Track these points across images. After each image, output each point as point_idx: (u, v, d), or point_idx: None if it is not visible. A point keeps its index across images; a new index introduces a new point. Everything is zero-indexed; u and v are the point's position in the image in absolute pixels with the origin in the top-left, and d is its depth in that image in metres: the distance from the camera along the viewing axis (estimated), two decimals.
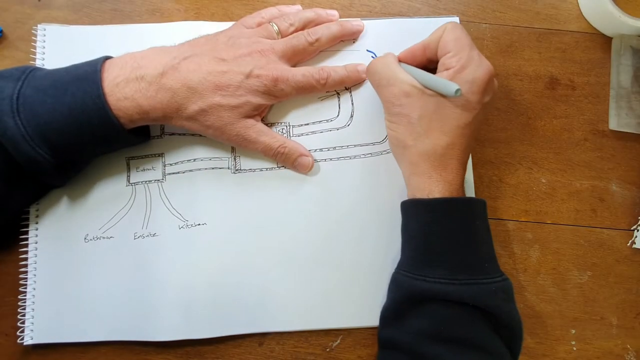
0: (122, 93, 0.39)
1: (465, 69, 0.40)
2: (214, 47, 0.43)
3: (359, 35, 0.49)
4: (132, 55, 0.42)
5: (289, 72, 0.44)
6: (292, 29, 0.46)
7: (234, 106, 0.42)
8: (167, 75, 0.41)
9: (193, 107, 0.41)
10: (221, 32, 0.45)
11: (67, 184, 0.45)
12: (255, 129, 0.44)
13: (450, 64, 0.41)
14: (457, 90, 0.37)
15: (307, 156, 0.46)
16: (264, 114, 0.46)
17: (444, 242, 0.39)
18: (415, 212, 0.41)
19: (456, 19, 0.51)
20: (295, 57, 0.46)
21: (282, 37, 0.46)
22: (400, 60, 0.45)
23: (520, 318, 0.40)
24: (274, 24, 0.46)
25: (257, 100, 0.43)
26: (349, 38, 0.49)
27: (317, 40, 0.46)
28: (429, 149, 0.41)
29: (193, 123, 0.42)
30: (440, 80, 0.39)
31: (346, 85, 0.48)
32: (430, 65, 0.45)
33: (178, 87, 0.41)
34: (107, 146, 0.43)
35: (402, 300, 0.40)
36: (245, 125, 0.43)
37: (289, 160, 0.46)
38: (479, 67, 0.40)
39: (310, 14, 0.48)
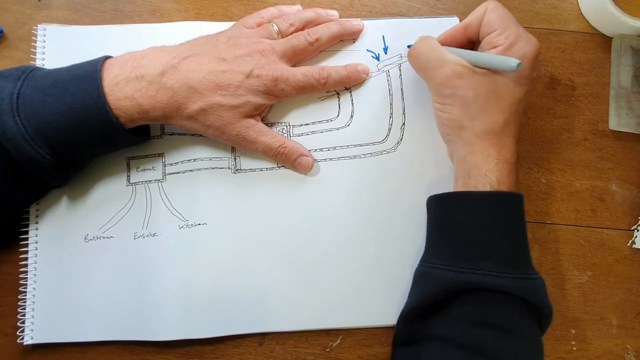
0: (122, 92, 0.39)
1: (514, 45, 0.40)
2: (214, 46, 0.43)
3: (359, 35, 0.49)
4: (132, 55, 0.42)
5: (289, 72, 0.44)
6: (292, 29, 0.46)
7: (234, 106, 0.42)
8: (167, 75, 0.41)
9: (193, 106, 0.41)
10: (221, 32, 0.45)
11: (67, 184, 0.45)
12: (255, 129, 0.44)
13: (497, 41, 0.41)
14: (519, 64, 0.38)
15: (307, 156, 0.46)
16: (264, 113, 0.46)
17: (494, 235, 0.39)
18: (460, 205, 0.41)
19: (456, 19, 0.51)
20: (296, 57, 0.46)
21: (282, 37, 0.46)
22: (439, 42, 0.45)
23: (552, 308, 0.40)
24: (274, 24, 0.46)
25: (257, 100, 0.43)
26: (349, 38, 0.49)
27: (317, 40, 0.46)
28: (487, 127, 0.41)
29: (193, 123, 0.42)
30: (498, 57, 0.40)
31: (346, 85, 0.48)
32: (469, 47, 0.45)
33: (178, 87, 0.41)
34: (107, 146, 0.43)
35: (443, 293, 0.39)
36: (246, 125, 0.43)
37: (289, 160, 0.46)
38: (527, 43, 0.41)
39: (310, 13, 0.48)
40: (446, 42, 0.45)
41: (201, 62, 0.42)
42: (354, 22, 0.49)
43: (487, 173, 0.40)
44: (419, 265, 0.43)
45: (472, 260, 0.39)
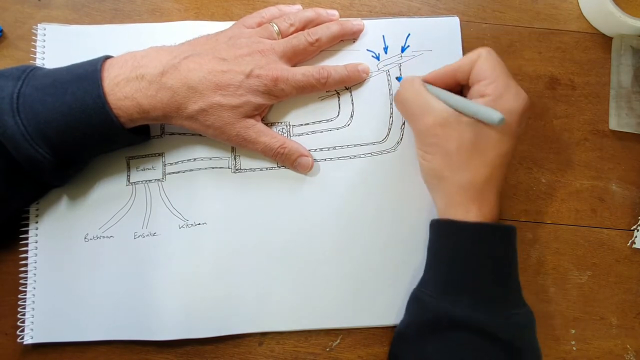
0: (122, 92, 0.39)
1: (502, 97, 0.39)
2: (214, 46, 0.43)
3: (359, 35, 0.49)
4: (133, 55, 0.42)
5: (289, 72, 0.44)
6: (292, 29, 0.46)
7: (235, 106, 0.42)
8: (167, 75, 0.41)
9: (193, 106, 0.41)
10: (221, 32, 0.45)
11: (67, 184, 0.45)
12: (255, 129, 0.44)
13: (486, 91, 0.40)
14: (502, 120, 0.36)
15: (307, 156, 0.46)
16: (264, 114, 0.46)
17: (475, 270, 0.39)
18: (448, 234, 0.41)
19: (456, 19, 0.51)
20: (296, 57, 0.46)
21: (282, 37, 0.46)
22: (427, 82, 0.43)
23: (540, 347, 0.39)
24: (274, 24, 0.46)
25: (257, 100, 0.43)
26: (349, 38, 0.49)
27: (317, 40, 0.46)
28: (468, 181, 0.40)
29: (193, 122, 0.42)
30: (483, 108, 0.38)
31: (346, 84, 0.48)
32: (457, 90, 0.44)
33: (178, 87, 0.41)
34: (107, 145, 0.43)
35: (426, 322, 0.40)
36: (245, 125, 0.43)
37: (288, 160, 0.46)
38: (517, 96, 0.40)
39: (310, 13, 0.48)
40: (435, 82, 0.43)
41: (201, 61, 0.42)
42: (355, 22, 0.49)
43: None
44: (415, 287, 0.43)
45: (455, 293, 0.39)
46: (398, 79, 0.48)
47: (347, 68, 0.47)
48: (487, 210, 0.40)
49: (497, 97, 0.39)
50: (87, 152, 0.42)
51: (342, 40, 0.49)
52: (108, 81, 0.39)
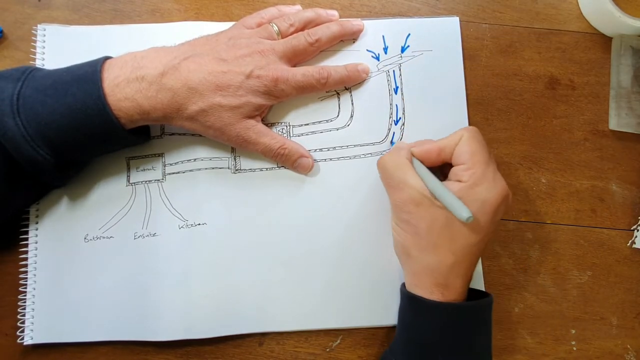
0: (122, 93, 0.39)
1: (478, 186, 0.38)
2: (214, 47, 0.43)
3: (359, 35, 0.49)
4: (133, 55, 0.42)
5: (289, 73, 0.44)
6: (292, 29, 0.46)
7: (235, 106, 0.42)
8: (167, 75, 0.41)
9: (193, 107, 0.41)
10: (221, 32, 0.45)
11: (67, 184, 0.45)
12: (255, 130, 0.44)
13: (462, 177, 0.39)
14: (469, 218, 0.35)
15: (307, 157, 0.46)
16: (264, 114, 0.46)
17: (440, 350, 0.38)
18: (412, 308, 0.40)
19: (456, 19, 0.51)
20: (296, 58, 0.46)
21: (282, 38, 0.46)
22: (414, 155, 0.42)
23: None
24: (274, 25, 0.46)
25: (257, 100, 0.43)
26: (349, 38, 0.49)
27: (317, 40, 0.46)
28: (434, 265, 0.39)
29: (193, 123, 0.42)
30: (453, 202, 0.37)
31: (346, 84, 0.48)
32: (445, 168, 0.42)
33: (179, 87, 0.41)
34: (107, 146, 0.43)
35: None
36: (246, 126, 0.43)
37: (289, 161, 0.46)
38: (492, 188, 0.38)
39: (310, 14, 0.48)
40: (423, 157, 0.41)
41: (201, 62, 0.42)
42: (354, 22, 0.49)
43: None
44: (387, 349, 0.43)
45: None
46: (391, 143, 0.47)
47: (347, 68, 0.47)
48: (451, 297, 0.39)
49: (472, 185, 0.38)
50: (87, 153, 0.42)
51: (342, 41, 0.49)
52: (108, 82, 0.39)
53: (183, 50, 0.43)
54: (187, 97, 0.41)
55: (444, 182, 0.39)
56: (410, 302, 0.40)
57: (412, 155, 0.42)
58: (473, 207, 0.37)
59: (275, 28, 0.46)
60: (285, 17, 0.46)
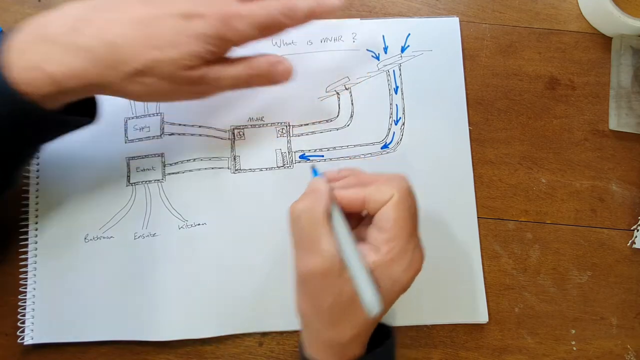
0: (26, 61, 0.31)
1: (394, 263, 0.33)
2: None
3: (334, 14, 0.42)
4: (43, 14, 0.33)
5: (244, 6, 0.35)
6: None
7: (176, 59, 0.33)
8: (79, 31, 0.32)
9: (123, 69, 0.32)
10: None
11: (67, 184, 0.45)
12: (213, 72, 0.35)
13: (380, 248, 0.33)
14: (376, 314, 0.32)
15: (282, 61, 0.38)
16: (226, 53, 0.37)
17: None
18: None
19: (456, 20, 0.51)
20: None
21: None
22: (336, 200, 0.35)
23: None
24: None
25: (206, 47, 0.34)
26: (326, 17, 0.42)
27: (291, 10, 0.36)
28: (333, 337, 0.34)
29: (133, 88, 0.34)
30: (365, 289, 0.32)
31: (318, 17, 0.38)
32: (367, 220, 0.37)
33: (96, 45, 0.32)
34: (33, 134, 0.34)
35: None
36: (201, 75, 0.35)
37: (266, 75, 0.38)
38: (408, 268, 0.33)
39: None
40: (343, 205, 0.35)
41: (122, 7, 0.33)
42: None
43: None
44: None
45: None
46: (313, 171, 0.38)
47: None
48: (350, 356, 0.35)
49: (389, 261, 0.33)
50: (8, 145, 0.34)
51: (341, 41, 0.49)
52: (9, 51, 0.31)
53: None
54: (109, 57, 0.32)
55: (360, 245, 0.34)
56: None
57: (335, 199, 0.35)
58: (383, 284, 0.33)
59: None
60: None
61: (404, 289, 0.34)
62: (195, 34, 0.33)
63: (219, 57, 0.36)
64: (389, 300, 0.34)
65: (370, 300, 0.32)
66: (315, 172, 0.38)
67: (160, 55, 0.33)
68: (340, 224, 0.34)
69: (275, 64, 0.38)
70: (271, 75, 0.38)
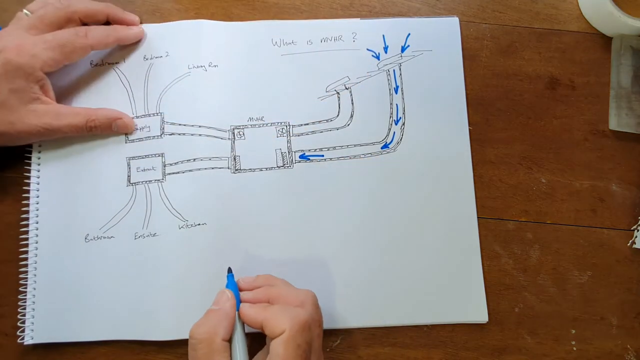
0: None
1: None
2: None
3: (140, 40, 0.48)
4: None
5: (35, 38, 0.39)
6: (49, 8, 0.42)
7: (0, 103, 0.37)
8: None
9: None
10: None
11: (68, 185, 0.45)
12: (49, 114, 0.39)
13: None
14: None
15: (121, 117, 0.44)
16: (47, 90, 0.41)
17: None
18: None
19: (456, 19, 0.51)
20: (49, 28, 0.42)
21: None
22: (240, 316, 0.37)
23: None
24: (26, 10, 0.42)
25: (17, 84, 0.37)
26: (125, 43, 0.47)
27: (69, 6, 0.42)
28: None
29: None
30: None
31: (119, 42, 0.46)
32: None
33: None
34: None
35: None
36: (34, 115, 0.38)
37: (105, 130, 0.44)
38: None
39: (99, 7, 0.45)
40: (245, 319, 0.36)
41: None
42: (131, 30, 0.46)
43: None
44: None
45: None
46: (228, 276, 0.40)
47: (115, 27, 0.45)
48: None
49: None
50: None
51: (341, 40, 0.49)
52: None
53: None
54: None
55: None
56: None
57: (239, 315, 0.36)
58: None
59: (27, 11, 0.42)
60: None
61: None
62: (1, 72, 0.37)
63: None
64: None
65: None
66: (230, 277, 0.40)
67: None
68: (241, 344, 0.36)
69: (116, 120, 0.42)
70: (114, 131, 0.43)
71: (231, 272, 0.40)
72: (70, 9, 0.43)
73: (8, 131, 0.38)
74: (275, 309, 0.36)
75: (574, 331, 0.47)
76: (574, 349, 0.46)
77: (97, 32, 0.44)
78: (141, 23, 0.49)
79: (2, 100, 0.37)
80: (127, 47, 0.48)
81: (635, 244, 0.48)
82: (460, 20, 0.51)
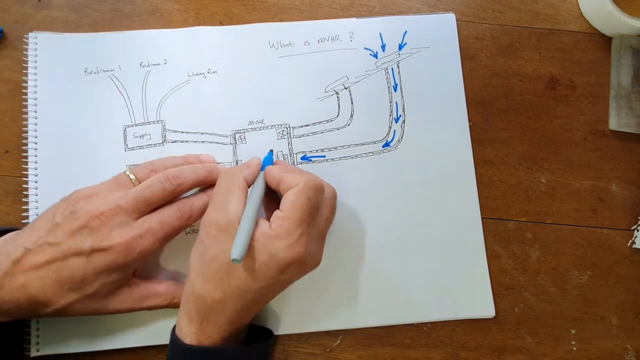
0: None
1: (278, 239, 0.35)
2: (51, 229, 0.37)
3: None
4: None
5: (142, 228, 0.37)
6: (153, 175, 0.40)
7: (93, 294, 0.37)
8: (4, 289, 0.35)
9: (47, 310, 0.36)
10: (67, 198, 0.39)
11: (67, 193, 0.44)
12: (133, 298, 0.39)
13: (272, 223, 0.36)
14: (234, 260, 0.33)
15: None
16: (139, 271, 0.41)
17: None
18: (171, 352, 0.38)
19: (452, 16, 0.51)
20: (152, 208, 0.39)
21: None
22: (265, 169, 0.40)
23: None
24: (129, 172, 0.40)
25: (114, 277, 0.37)
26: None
27: (178, 185, 0.40)
28: (201, 294, 0.36)
29: (66, 314, 0.37)
30: (238, 238, 0.34)
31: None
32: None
33: (19, 298, 0.36)
34: None
35: None
36: (120, 299, 0.39)
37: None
38: (289, 248, 0.35)
39: (179, 160, 0.43)
40: (266, 176, 0.40)
41: (37, 260, 0.36)
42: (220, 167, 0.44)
43: (182, 338, 0.37)
44: None
45: None
46: (269, 152, 0.44)
47: (207, 193, 0.42)
48: (210, 330, 0.37)
49: (274, 236, 0.35)
50: None
51: (339, 40, 0.49)
52: None
53: (18, 245, 0.36)
54: (33, 308, 0.36)
55: (261, 219, 0.37)
56: (172, 342, 0.38)
57: (262, 171, 0.40)
58: (261, 256, 0.35)
59: (132, 176, 0.40)
60: (148, 164, 0.41)
61: (282, 268, 0.36)
62: (101, 268, 0.36)
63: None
64: (266, 275, 0.36)
65: (235, 247, 0.34)
66: (270, 153, 0.44)
67: (78, 295, 0.37)
68: (257, 192, 0.39)
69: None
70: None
71: (272, 151, 0.44)
72: (179, 189, 0.40)
73: (88, 314, 0.38)
74: (294, 171, 0.40)
75: (573, 331, 0.47)
76: (574, 349, 0.46)
77: (200, 210, 0.41)
78: (140, 24, 0.49)
79: (93, 292, 0.37)
80: (121, 54, 0.47)
81: (635, 244, 0.48)
82: (460, 20, 0.51)
